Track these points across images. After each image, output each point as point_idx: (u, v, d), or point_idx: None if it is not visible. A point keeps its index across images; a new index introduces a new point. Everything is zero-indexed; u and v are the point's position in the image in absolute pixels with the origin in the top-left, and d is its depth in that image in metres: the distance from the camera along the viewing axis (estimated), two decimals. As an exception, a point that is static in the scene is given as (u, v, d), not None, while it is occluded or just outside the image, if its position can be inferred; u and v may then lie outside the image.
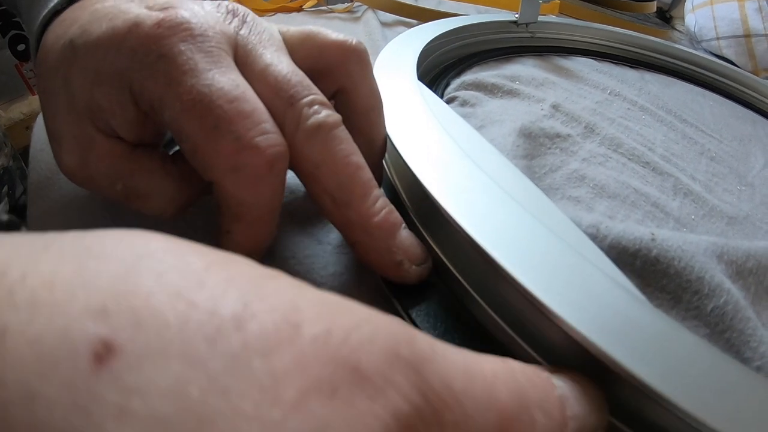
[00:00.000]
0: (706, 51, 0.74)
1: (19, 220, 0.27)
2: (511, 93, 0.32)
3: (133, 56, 0.14)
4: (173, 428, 0.07)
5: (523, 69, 0.39)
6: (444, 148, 0.19)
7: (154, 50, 0.14)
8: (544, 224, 0.15)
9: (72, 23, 0.16)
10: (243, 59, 0.16)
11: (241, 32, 0.17)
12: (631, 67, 0.48)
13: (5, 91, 0.83)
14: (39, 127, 0.27)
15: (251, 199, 0.15)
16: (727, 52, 0.71)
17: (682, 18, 0.78)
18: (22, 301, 0.07)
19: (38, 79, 0.17)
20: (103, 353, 0.07)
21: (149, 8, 0.15)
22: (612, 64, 0.47)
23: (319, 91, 0.16)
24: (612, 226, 0.19)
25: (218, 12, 0.17)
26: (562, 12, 0.58)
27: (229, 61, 0.15)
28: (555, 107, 0.30)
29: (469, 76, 0.35)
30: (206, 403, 0.07)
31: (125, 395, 0.07)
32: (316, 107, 0.16)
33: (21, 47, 0.80)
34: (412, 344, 0.09)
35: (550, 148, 0.25)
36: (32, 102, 0.86)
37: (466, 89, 0.33)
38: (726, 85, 0.52)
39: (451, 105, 0.32)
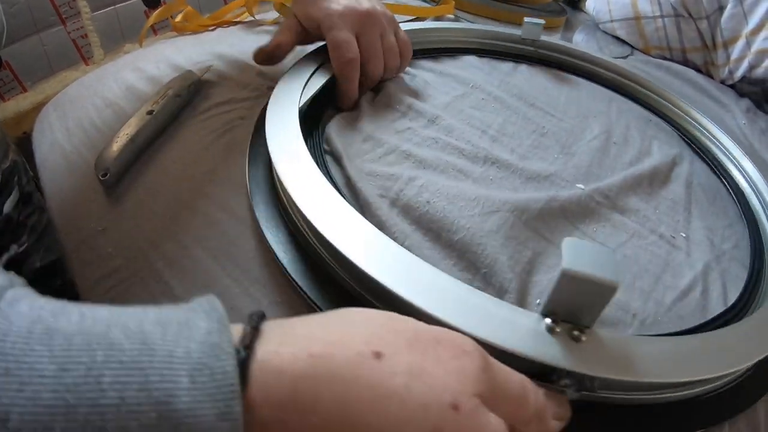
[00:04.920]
0: (604, 33, 0.84)
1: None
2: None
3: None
4: None
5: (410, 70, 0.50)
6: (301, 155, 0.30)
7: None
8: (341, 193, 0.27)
9: None
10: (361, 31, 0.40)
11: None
12: (515, 61, 0.58)
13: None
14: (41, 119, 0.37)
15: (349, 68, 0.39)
16: (621, 33, 0.82)
17: (588, 2, 0.88)
18: None
19: None
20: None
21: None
22: (492, 60, 0.57)
23: None
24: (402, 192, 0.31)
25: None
26: (458, 8, 0.68)
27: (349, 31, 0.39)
28: (409, 106, 0.41)
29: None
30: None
31: None
32: None
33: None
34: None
35: (393, 135, 0.37)
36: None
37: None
38: (592, 70, 0.62)
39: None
